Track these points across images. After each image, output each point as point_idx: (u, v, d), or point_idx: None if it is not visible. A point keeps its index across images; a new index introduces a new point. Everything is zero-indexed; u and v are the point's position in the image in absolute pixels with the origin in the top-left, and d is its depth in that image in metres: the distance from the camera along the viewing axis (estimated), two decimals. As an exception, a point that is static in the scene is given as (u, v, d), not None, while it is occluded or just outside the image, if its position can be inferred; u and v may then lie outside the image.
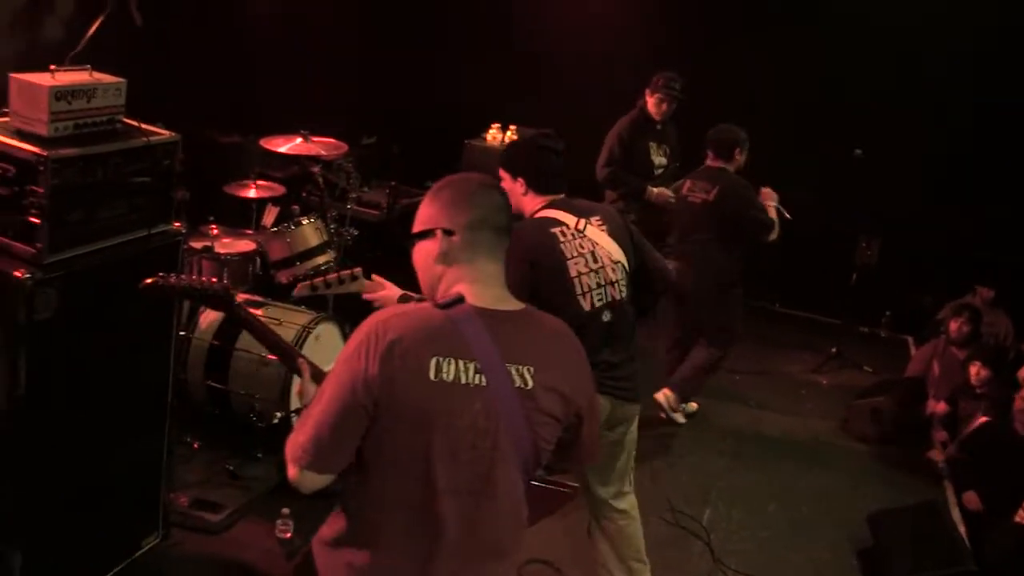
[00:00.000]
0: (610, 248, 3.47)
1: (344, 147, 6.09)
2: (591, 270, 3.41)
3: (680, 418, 5.95)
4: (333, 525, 2.21)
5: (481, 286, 2.13)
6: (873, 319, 7.95)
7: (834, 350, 7.32)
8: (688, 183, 5.73)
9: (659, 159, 6.24)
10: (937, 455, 5.93)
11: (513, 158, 3.62)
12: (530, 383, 2.07)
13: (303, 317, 4.86)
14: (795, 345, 7.47)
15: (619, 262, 3.48)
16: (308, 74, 7.40)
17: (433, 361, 1.99)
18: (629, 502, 3.76)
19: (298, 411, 2.43)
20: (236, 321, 2.66)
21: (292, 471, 2.10)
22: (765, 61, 7.38)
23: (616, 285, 3.46)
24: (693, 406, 6.10)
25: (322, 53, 7.54)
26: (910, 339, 7.84)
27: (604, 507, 3.70)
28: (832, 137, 6.88)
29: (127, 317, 3.55)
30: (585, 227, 3.45)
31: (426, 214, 2.20)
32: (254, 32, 7.03)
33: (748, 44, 7.45)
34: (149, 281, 2.62)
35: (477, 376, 2.02)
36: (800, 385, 6.89)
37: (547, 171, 3.54)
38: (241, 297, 4.99)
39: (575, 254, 3.40)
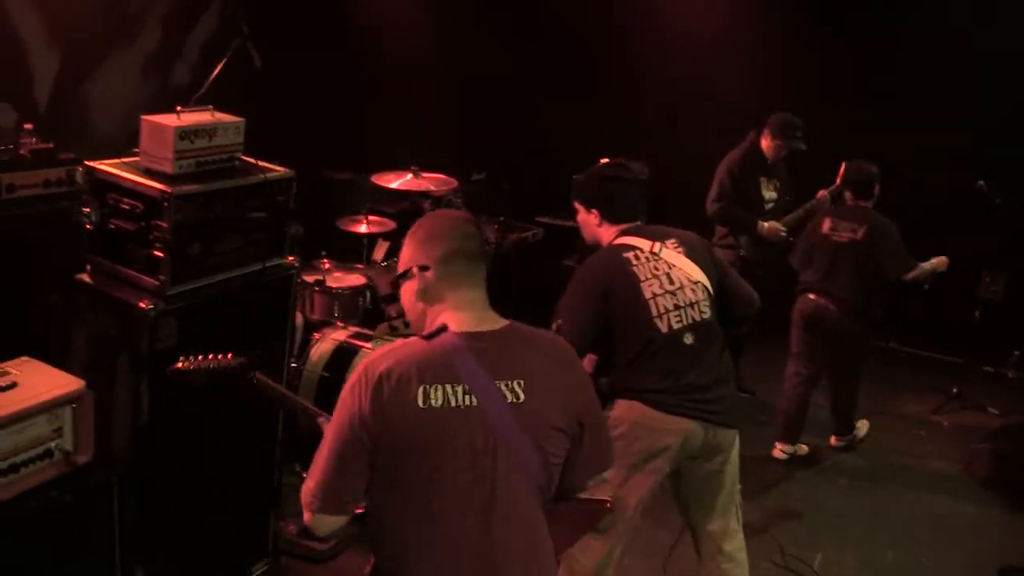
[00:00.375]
0: (688, 269, 3.41)
1: (454, 183, 6.21)
2: (667, 291, 3.34)
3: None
4: (370, 565, 2.28)
5: (462, 312, 2.22)
6: (999, 358, 7.57)
7: (956, 390, 6.98)
8: (829, 221, 5.65)
9: (769, 193, 6.14)
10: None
11: (583, 190, 3.63)
12: (522, 396, 2.12)
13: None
14: (912, 385, 7.16)
15: (699, 282, 3.41)
16: (418, 112, 7.58)
17: (420, 389, 2.06)
18: (737, 542, 3.63)
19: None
20: (259, 390, 2.82)
21: (306, 516, 2.20)
22: (883, 90, 7.21)
23: (697, 306, 3.38)
24: (804, 448, 5.93)
25: (431, 91, 7.71)
26: (1041, 380, 7.44)
27: (709, 545, 3.59)
28: (953, 167, 6.63)
29: (243, 347, 3.67)
30: (660, 250, 3.41)
31: (404, 256, 2.34)
32: (366, 72, 7.27)
33: (863, 74, 7.29)
34: (177, 366, 2.80)
35: (467, 397, 2.08)
36: (919, 426, 6.59)
37: (617, 200, 3.53)
38: (352, 329, 5.13)
39: (649, 276, 3.35)
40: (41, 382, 3.09)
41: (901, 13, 7.19)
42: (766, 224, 5.96)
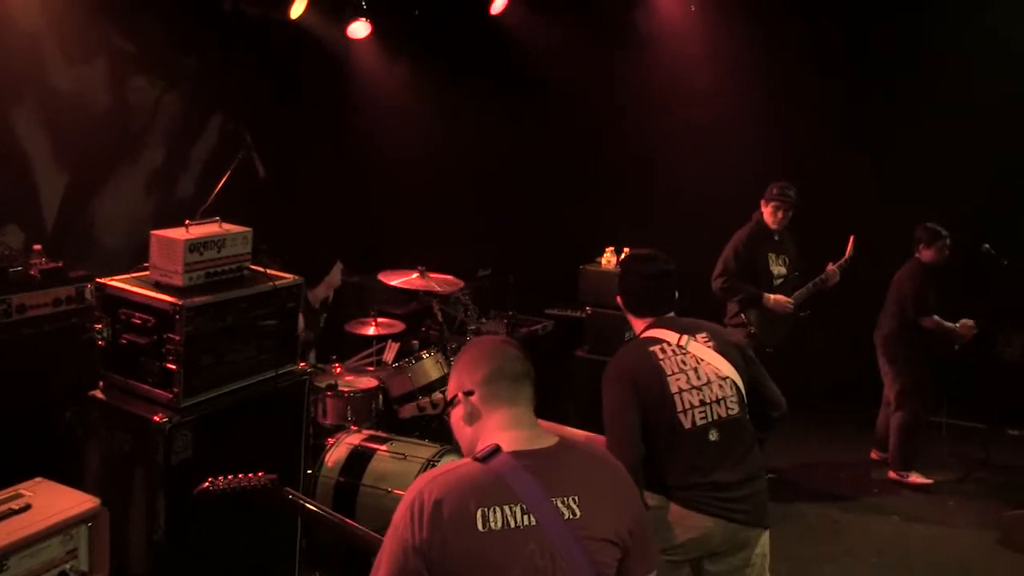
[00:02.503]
0: (718, 364, 3.35)
1: (460, 283, 6.21)
2: (693, 387, 3.29)
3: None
4: None
5: (512, 431, 2.23)
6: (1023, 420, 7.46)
7: (983, 456, 6.87)
8: None
9: (778, 269, 6.14)
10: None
11: (618, 283, 3.62)
12: (578, 512, 2.11)
13: (427, 450, 4.86)
14: (937, 453, 7.04)
15: (728, 378, 3.34)
16: (422, 211, 7.66)
17: (479, 513, 2.04)
18: None
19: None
20: (291, 507, 2.77)
21: None
22: (880, 162, 7.32)
23: (724, 402, 3.31)
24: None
25: (434, 190, 7.81)
26: (1069, 441, 7.32)
27: None
28: (959, 229, 6.67)
29: (257, 456, 3.63)
30: (688, 343, 3.36)
31: (451, 386, 2.38)
32: (369, 173, 7.37)
33: (859, 148, 7.39)
34: (202, 487, 2.75)
35: (525, 517, 2.06)
36: (948, 495, 6.45)
37: (639, 293, 3.51)
38: (366, 432, 5.07)
39: (676, 370, 3.30)
40: (55, 503, 3.05)
41: (899, 88, 7.33)
42: (772, 297, 5.96)
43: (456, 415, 2.33)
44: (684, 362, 3.32)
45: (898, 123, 7.30)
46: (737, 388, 3.35)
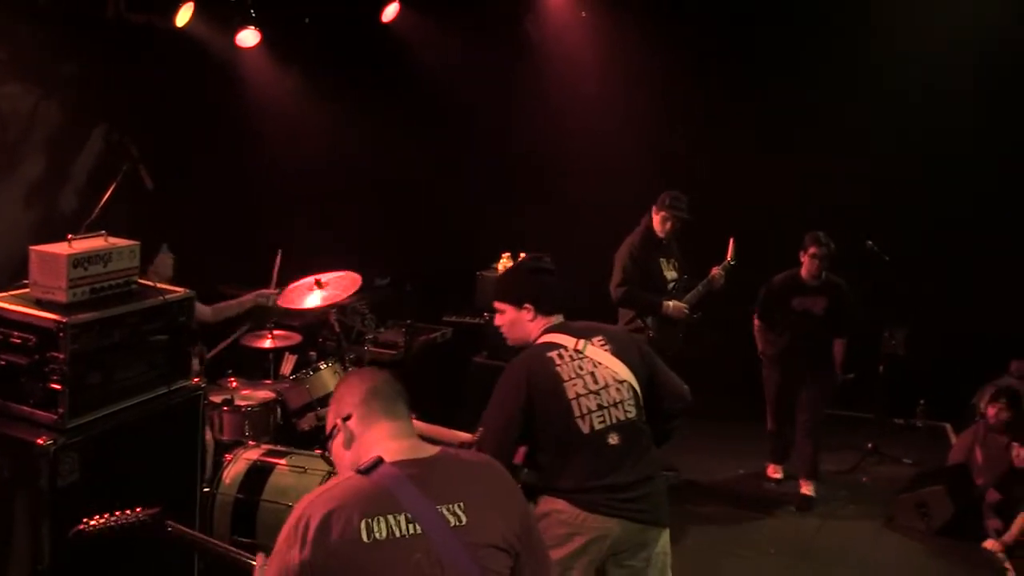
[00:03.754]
0: (615, 367, 3.37)
1: (357, 280, 6.13)
2: (590, 391, 3.30)
3: None
4: None
5: (393, 442, 2.23)
6: (907, 409, 7.80)
7: (870, 445, 7.16)
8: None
9: (670, 273, 6.23)
10: (994, 544, 5.71)
11: (512, 286, 3.59)
12: (464, 519, 2.11)
13: (328, 463, 4.79)
14: (829, 445, 7.25)
15: (625, 381, 3.35)
16: (316, 222, 7.56)
17: (363, 524, 2.02)
18: None
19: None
20: (175, 540, 2.66)
21: None
22: (768, 159, 7.54)
23: (621, 405, 3.33)
24: None
25: (328, 200, 7.71)
26: (948, 426, 7.67)
27: None
28: (841, 229, 6.92)
29: (150, 477, 3.52)
30: (585, 347, 3.38)
31: (328, 421, 2.36)
32: (262, 184, 7.23)
33: (743, 149, 7.61)
34: (77, 528, 2.61)
35: (410, 526, 2.05)
36: (839, 486, 6.69)
37: (549, 293, 3.52)
38: (264, 447, 4.97)
39: (572, 376, 3.31)
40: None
41: (784, 90, 7.57)
42: (671, 303, 6.04)
43: (336, 444, 2.31)
44: (581, 367, 3.33)
45: (783, 124, 7.55)
46: (634, 391, 3.38)
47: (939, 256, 7.32)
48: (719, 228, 6.22)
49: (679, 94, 7.75)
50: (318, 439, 5.57)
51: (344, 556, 1.99)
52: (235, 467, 4.81)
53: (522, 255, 7.04)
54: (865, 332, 6.79)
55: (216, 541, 2.68)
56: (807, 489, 6.42)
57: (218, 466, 4.87)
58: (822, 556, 5.66)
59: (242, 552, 2.55)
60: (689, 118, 7.75)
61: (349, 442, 2.26)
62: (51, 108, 5.92)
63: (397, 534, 2.03)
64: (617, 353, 3.41)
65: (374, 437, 2.24)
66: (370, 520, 2.02)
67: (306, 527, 2.01)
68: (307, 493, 4.37)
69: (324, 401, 5.51)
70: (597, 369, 3.34)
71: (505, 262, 7.01)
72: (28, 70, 5.73)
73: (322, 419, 5.25)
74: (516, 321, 3.51)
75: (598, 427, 3.29)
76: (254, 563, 2.39)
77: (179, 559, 3.82)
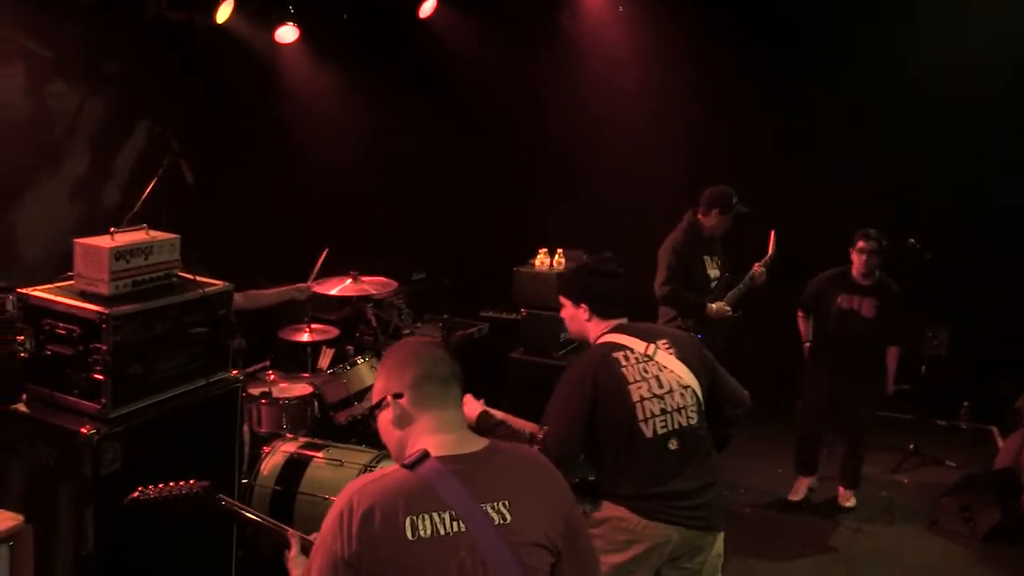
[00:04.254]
0: (680, 372, 3.35)
1: (394, 284, 6.17)
2: (655, 395, 3.29)
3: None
4: None
5: (441, 435, 2.21)
6: (951, 411, 7.68)
7: (912, 447, 7.05)
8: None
9: (713, 272, 6.15)
10: (1041, 550, 5.61)
11: (571, 284, 3.59)
12: (508, 517, 2.10)
13: (364, 456, 4.81)
14: (870, 446, 7.13)
15: (689, 387, 3.34)
16: (354, 216, 7.59)
17: (408, 521, 2.01)
18: None
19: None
20: (226, 514, 2.69)
21: None
22: (815, 151, 7.47)
23: (684, 411, 3.32)
24: None
25: (367, 194, 7.75)
26: (994, 429, 7.52)
27: None
28: (883, 227, 6.83)
29: (190, 467, 3.54)
30: (655, 352, 3.36)
31: (377, 387, 2.33)
32: (300, 179, 7.27)
33: (784, 145, 7.53)
34: (132, 496, 2.65)
35: (455, 524, 2.04)
36: (880, 487, 6.59)
37: (607, 296, 3.50)
38: (302, 440, 5.00)
39: (638, 378, 3.29)
40: (-26, 522, 2.93)
41: (821, 85, 7.48)
42: (714, 305, 5.95)
43: (384, 418, 2.29)
44: (646, 370, 3.31)
45: (826, 121, 7.45)
46: (697, 398, 3.36)
47: (983, 255, 7.19)
48: (758, 225, 6.15)
49: (716, 90, 7.67)
50: (355, 432, 5.61)
51: (388, 552, 1.99)
52: (273, 459, 4.85)
53: (559, 251, 7.14)
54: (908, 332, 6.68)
55: (267, 518, 2.67)
56: (847, 500, 6.27)
57: (255, 458, 4.91)
58: (860, 559, 5.57)
59: (285, 526, 2.54)
60: (727, 114, 7.66)
61: (400, 421, 2.25)
62: (95, 105, 6.00)
63: (442, 532, 2.02)
64: (681, 357, 3.39)
65: (423, 426, 2.23)
66: (415, 517, 2.01)
67: (350, 519, 2.00)
68: (344, 486, 4.41)
69: (361, 395, 5.57)
70: (662, 373, 3.33)
71: (542, 258, 6.98)
72: (73, 68, 5.81)
73: (359, 414, 5.30)
74: (574, 317, 3.54)
75: (660, 432, 3.27)
76: (292, 536, 2.43)
77: (218, 548, 3.85)
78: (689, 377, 3.36)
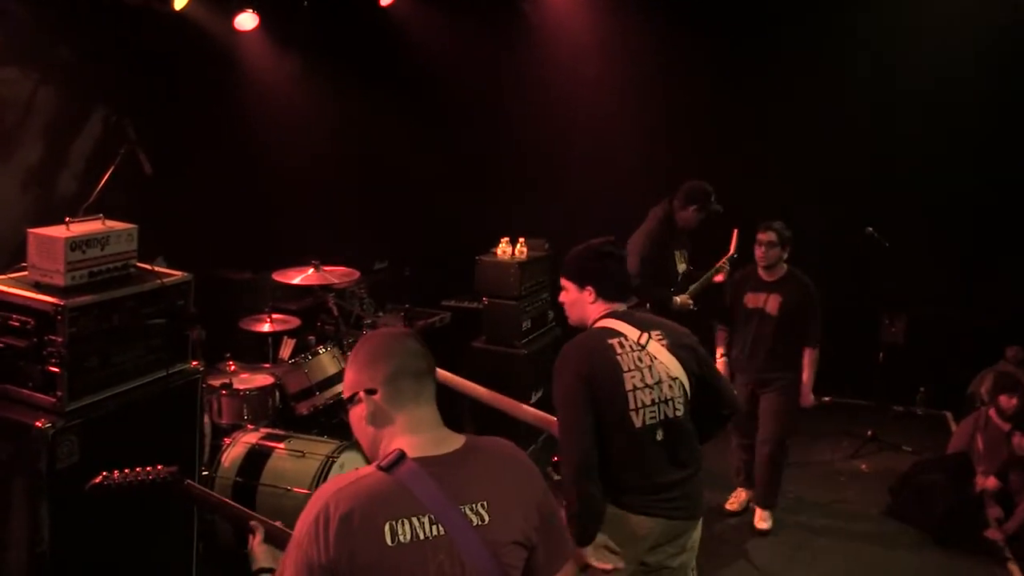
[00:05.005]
0: (669, 364, 3.32)
1: (356, 274, 6.14)
2: (647, 385, 3.27)
3: None
4: None
5: (417, 435, 2.16)
6: (907, 397, 7.80)
7: (870, 433, 7.16)
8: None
9: (681, 266, 6.16)
10: (995, 533, 5.71)
11: (576, 266, 3.54)
12: (486, 518, 2.09)
13: (326, 447, 4.80)
14: (828, 432, 7.29)
15: (677, 378, 3.32)
16: (315, 205, 7.54)
17: (388, 527, 1.99)
18: None
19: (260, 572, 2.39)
20: (195, 500, 2.65)
21: None
22: (774, 141, 7.52)
23: (672, 403, 3.30)
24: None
25: (328, 183, 7.69)
26: (948, 414, 7.68)
27: None
28: (841, 216, 6.91)
29: (150, 459, 3.50)
30: (647, 342, 3.34)
31: (349, 380, 2.25)
32: (259, 167, 7.20)
33: (745, 138, 7.57)
34: (95, 481, 2.56)
35: (433, 527, 2.03)
36: (839, 473, 6.70)
37: (614, 279, 3.47)
38: (263, 431, 4.97)
39: (631, 367, 3.27)
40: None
41: (786, 77, 7.51)
42: (678, 299, 5.93)
43: (357, 414, 2.23)
44: (640, 359, 3.30)
45: (784, 112, 7.50)
46: (684, 390, 3.35)
47: (939, 243, 7.29)
48: (723, 220, 6.15)
49: (681, 78, 7.68)
50: (317, 422, 5.58)
51: (367, 558, 1.96)
52: (234, 450, 4.82)
53: (520, 240, 7.14)
54: (864, 319, 6.77)
55: (235, 504, 2.61)
56: (762, 522, 5.75)
57: (216, 449, 4.88)
58: (818, 544, 5.66)
59: (252, 513, 2.51)
60: (693, 103, 7.68)
61: (374, 418, 2.19)
62: (49, 92, 5.88)
63: (421, 536, 2.00)
64: (672, 349, 3.36)
65: (398, 425, 2.18)
66: (394, 523, 1.99)
67: (327, 524, 1.97)
68: (305, 477, 4.38)
69: (323, 385, 5.53)
70: (654, 364, 3.31)
71: (504, 247, 6.98)
72: (25, 54, 5.69)
73: (321, 405, 5.28)
74: (577, 301, 3.49)
75: (649, 422, 3.26)
76: (254, 524, 2.41)
77: (178, 542, 3.81)
78: (678, 369, 3.34)
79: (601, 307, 3.45)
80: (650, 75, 7.79)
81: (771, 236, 5.58)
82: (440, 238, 8.22)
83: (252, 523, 2.45)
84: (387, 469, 2.06)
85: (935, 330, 7.34)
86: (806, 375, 5.67)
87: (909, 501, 5.99)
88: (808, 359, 5.64)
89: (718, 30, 7.58)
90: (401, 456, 2.09)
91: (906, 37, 7.10)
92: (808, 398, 5.74)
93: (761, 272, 5.69)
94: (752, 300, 5.70)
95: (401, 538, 1.99)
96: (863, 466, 6.84)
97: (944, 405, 7.75)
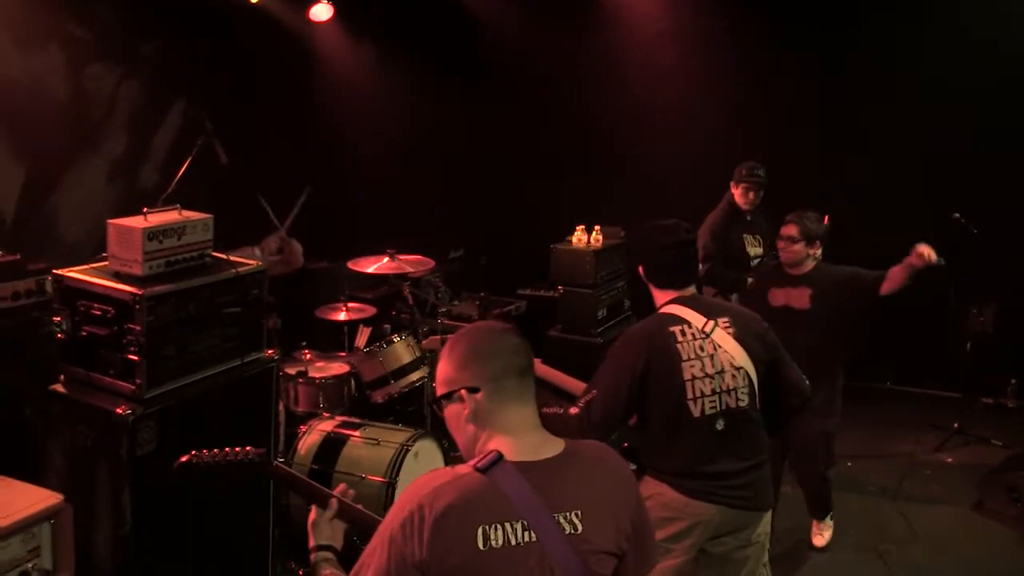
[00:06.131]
0: (734, 353, 3.25)
1: (431, 263, 6.16)
2: (707, 375, 3.21)
3: None
4: None
5: (517, 438, 2.12)
6: (997, 389, 7.51)
7: (957, 425, 6.91)
8: None
9: (755, 250, 6.09)
10: (1089, 531, 5.48)
11: (637, 251, 3.52)
12: (580, 527, 2.05)
13: (401, 435, 4.82)
14: (913, 424, 7.06)
15: (741, 368, 3.25)
16: (391, 193, 7.59)
17: (480, 531, 1.96)
18: None
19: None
20: (284, 481, 2.63)
21: None
22: (854, 126, 7.30)
23: (735, 392, 3.24)
24: None
25: (403, 172, 7.73)
26: (1042, 407, 7.39)
27: None
28: (929, 203, 6.67)
29: (225, 447, 3.57)
30: (712, 329, 3.26)
31: (446, 375, 2.18)
32: (335, 158, 7.27)
33: (828, 123, 7.38)
34: (183, 460, 2.54)
35: (526, 534, 1.99)
36: (924, 466, 6.48)
37: (664, 266, 3.40)
38: (338, 419, 5.02)
39: (692, 356, 3.21)
40: (15, 500, 2.99)
41: (868, 63, 7.30)
42: (752, 281, 5.87)
43: (455, 411, 2.17)
44: (702, 348, 3.23)
45: (866, 96, 7.28)
46: (749, 380, 3.28)
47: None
48: (810, 203, 6.00)
49: (761, 67, 7.50)
50: (392, 411, 5.63)
51: (458, 559, 1.94)
52: (309, 438, 4.87)
53: (596, 228, 7.07)
54: (953, 308, 6.55)
55: (316, 484, 2.56)
56: (818, 535, 5.36)
57: (291, 438, 4.94)
58: (903, 541, 5.49)
59: (344, 500, 2.49)
60: (773, 87, 7.51)
61: (475, 416, 2.13)
62: (131, 86, 6.05)
63: (513, 542, 1.98)
64: (739, 337, 3.29)
65: (499, 425, 2.12)
66: (487, 527, 1.96)
67: (421, 522, 1.94)
68: (380, 464, 4.39)
69: (398, 374, 5.57)
70: (717, 352, 3.24)
71: (580, 235, 6.91)
72: (110, 50, 5.86)
73: (396, 393, 5.31)
74: (647, 284, 3.47)
75: (709, 412, 3.21)
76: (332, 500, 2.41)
77: (255, 527, 3.88)
78: (743, 358, 3.27)
79: (659, 293, 3.39)
80: (725, 61, 7.63)
81: (792, 231, 4.95)
82: (515, 226, 8.19)
83: (331, 500, 2.42)
84: (484, 470, 2.02)
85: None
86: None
87: (999, 497, 5.77)
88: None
89: (795, 15, 7.37)
90: (499, 458, 2.05)
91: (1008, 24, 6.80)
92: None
93: (787, 268, 5.11)
94: (776, 297, 5.05)
95: (493, 543, 1.96)
96: (949, 460, 6.61)
97: (1038, 397, 7.46)
